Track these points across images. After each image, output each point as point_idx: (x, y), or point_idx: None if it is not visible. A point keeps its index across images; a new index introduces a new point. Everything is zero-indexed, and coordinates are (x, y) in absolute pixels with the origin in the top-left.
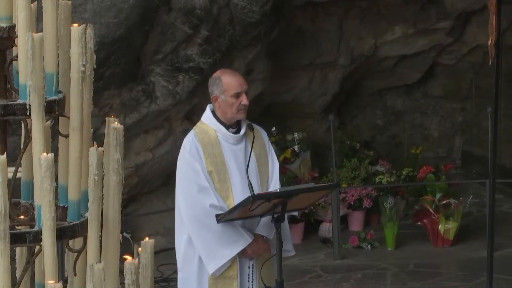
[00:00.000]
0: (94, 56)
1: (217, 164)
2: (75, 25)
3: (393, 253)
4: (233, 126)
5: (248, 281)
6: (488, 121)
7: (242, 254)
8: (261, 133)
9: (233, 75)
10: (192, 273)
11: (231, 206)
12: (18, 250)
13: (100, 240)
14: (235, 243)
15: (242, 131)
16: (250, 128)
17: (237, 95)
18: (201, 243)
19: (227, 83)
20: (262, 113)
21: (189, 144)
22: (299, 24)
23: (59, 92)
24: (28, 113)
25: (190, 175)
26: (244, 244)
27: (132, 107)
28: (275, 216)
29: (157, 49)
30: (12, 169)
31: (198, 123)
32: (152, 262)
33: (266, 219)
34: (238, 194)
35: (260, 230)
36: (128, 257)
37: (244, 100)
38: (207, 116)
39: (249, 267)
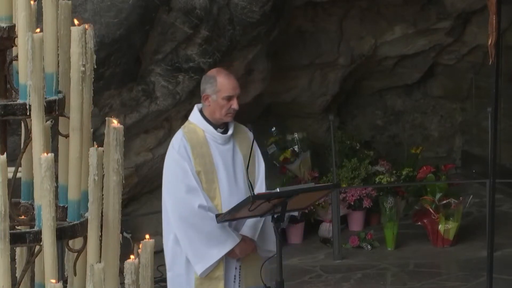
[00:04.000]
0: (94, 56)
1: (206, 164)
2: (76, 22)
3: (393, 253)
4: (221, 126)
5: (234, 282)
6: (488, 121)
7: (230, 254)
8: (248, 134)
9: (228, 77)
10: (181, 273)
11: (218, 206)
12: (18, 250)
13: (100, 240)
14: (223, 243)
15: (230, 131)
16: (250, 129)
17: (229, 98)
18: (188, 244)
19: (221, 84)
20: (262, 113)
21: (178, 143)
22: (299, 24)
23: (59, 92)
24: (28, 113)
25: (178, 174)
26: (232, 244)
27: (132, 107)
28: (275, 216)
29: (157, 49)
30: (12, 169)
31: (186, 123)
32: (152, 262)
33: (251, 220)
34: (225, 195)
35: (245, 231)
36: (133, 257)
37: (234, 104)
38: (195, 116)
39: (236, 268)
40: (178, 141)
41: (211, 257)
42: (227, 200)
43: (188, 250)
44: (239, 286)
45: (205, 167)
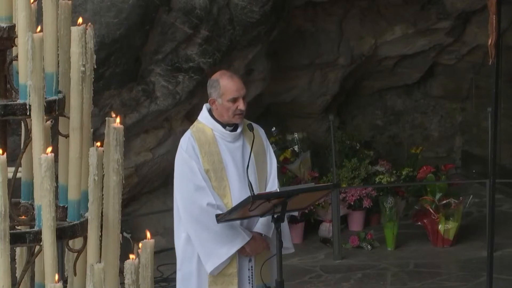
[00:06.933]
0: (94, 56)
1: (214, 162)
2: (80, 20)
3: (393, 253)
4: (230, 124)
5: (249, 283)
6: (488, 121)
7: (241, 252)
8: (259, 131)
9: (231, 79)
10: (192, 271)
11: (228, 204)
12: (18, 250)
13: (100, 240)
14: (232, 242)
15: (239, 129)
16: (250, 128)
17: (234, 100)
18: (199, 242)
19: (225, 87)
20: (262, 113)
21: (186, 143)
22: (299, 24)
23: (59, 92)
24: (28, 113)
25: (187, 174)
26: (241, 243)
27: (132, 107)
28: (275, 216)
29: (157, 49)
30: (12, 169)
31: (195, 122)
32: (152, 262)
33: (265, 217)
34: (236, 192)
35: (259, 228)
36: (133, 256)
37: (240, 105)
38: (204, 116)
39: (249, 269)
40: (186, 140)
41: (221, 256)
42: (238, 197)
43: (199, 249)
44: (252, 283)
45: (214, 165)
